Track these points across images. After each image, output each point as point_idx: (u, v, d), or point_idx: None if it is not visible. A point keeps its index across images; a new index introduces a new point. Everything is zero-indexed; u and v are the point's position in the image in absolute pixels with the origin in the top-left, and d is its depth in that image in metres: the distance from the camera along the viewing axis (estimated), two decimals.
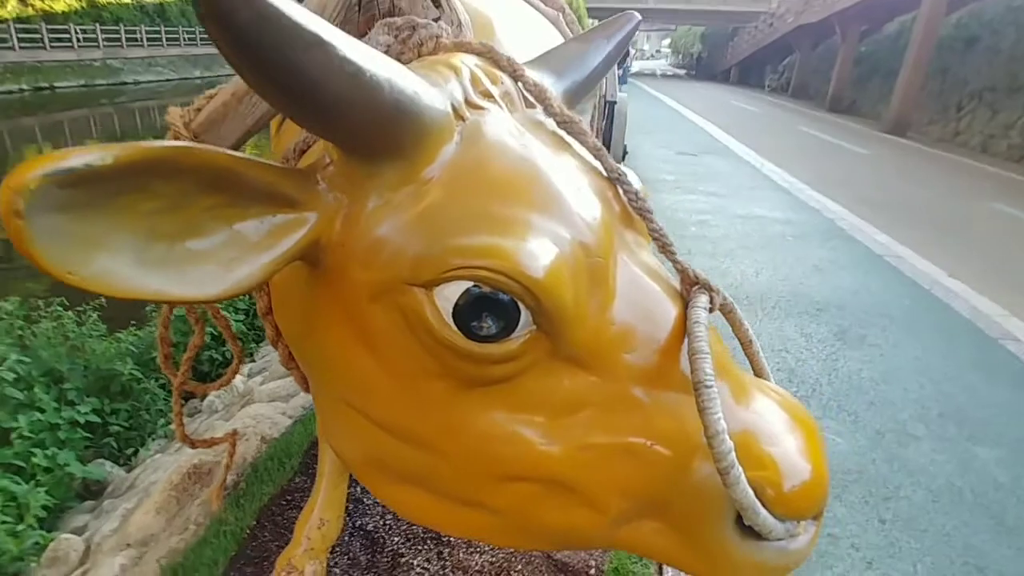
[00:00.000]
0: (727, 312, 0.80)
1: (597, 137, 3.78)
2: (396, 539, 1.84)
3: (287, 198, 0.60)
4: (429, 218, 0.60)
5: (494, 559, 1.77)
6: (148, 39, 25.85)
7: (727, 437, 0.59)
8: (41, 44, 21.16)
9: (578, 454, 0.64)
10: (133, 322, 4.30)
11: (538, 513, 0.68)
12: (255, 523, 1.86)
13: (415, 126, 0.59)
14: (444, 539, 1.84)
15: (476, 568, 1.73)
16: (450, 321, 0.58)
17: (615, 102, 5.11)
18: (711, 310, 0.69)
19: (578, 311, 0.61)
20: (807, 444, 0.66)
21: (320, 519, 1.64)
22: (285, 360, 0.99)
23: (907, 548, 1.97)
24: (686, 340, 0.64)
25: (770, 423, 0.65)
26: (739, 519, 0.63)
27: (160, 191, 0.50)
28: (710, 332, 0.67)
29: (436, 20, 0.88)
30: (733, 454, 0.59)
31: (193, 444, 1.24)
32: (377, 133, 0.57)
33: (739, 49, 30.86)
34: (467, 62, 0.71)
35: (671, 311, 0.67)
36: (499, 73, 0.73)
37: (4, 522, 2.53)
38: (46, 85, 20.93)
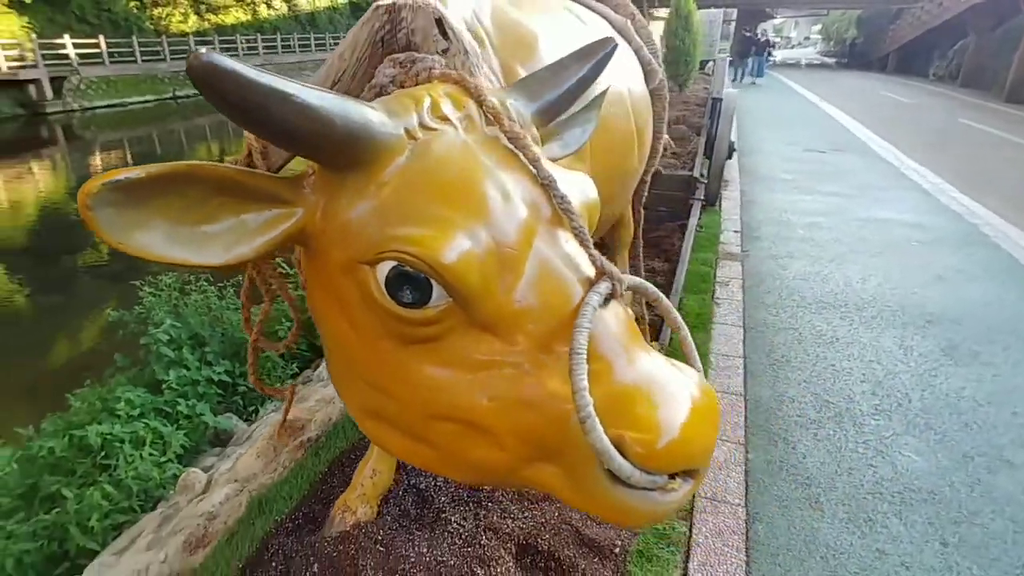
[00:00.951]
0: (653, 302, 0.92)
1: (703, 133, 3.80)
2: (443, 499, 2.08)
3: (281, 198, 0.83)
4: (377, 213, 0.80)
5: (524, 526, 1.94)
6: (299, 45, 28.57)
7: (587, 394, 0.72)
8: None
9: (487, 403, 0.81)
10: (262, 302, 5.02)
11: (461, 449, 0.86)
12: (327, 470, 2.20)
13: (367, 146, 0.79)
14: (483, 503, 2.04)
15: (506, 531, 1.91)
16: (384, 290, 0.78)
17: (721, 99, 4.96)
18: (613, 296, 0.82)
19: (485, 290, 0.78)
20: (686, 413, 0.76)
21: (373, 470, 1.93)
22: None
23: (967, 574, 1.83)
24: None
25: (649, 391, 0.77)
26: (616, 475, 0.75)
27: (186, 193, 0.75)
28: (619, 314, 0.81)
29: (444, 51, 1.08)
30: (591, 407, 0.72)
31: (263, 390, 1.55)
32: (336, 153, 0.79)
33: (900, 33, 27.56)
34: (436, 91, 0.90)
35: (574, 294, 0.81)
36: (465, 99, 0.91)
37: (152, 455, 3.14)
38: None
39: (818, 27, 68.74)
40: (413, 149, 0.83)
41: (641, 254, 3.04)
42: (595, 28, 2.09)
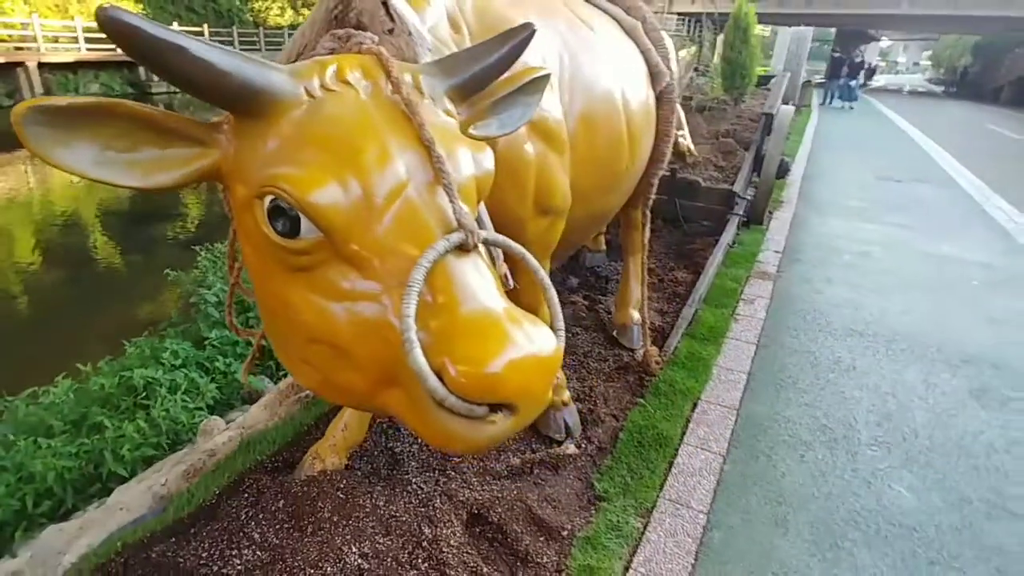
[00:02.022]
0: (518, 260, 0.99)
1: (751, 149, 3.78)
2: (412, 464, 2.19)
3: (198, 139, 0.96)
4: (268, 155, 0.92)
5: (480, 497, 2.01)
6: None
7: (411, 320, 0.81)
8: None
9: (348, 328, 0.91)
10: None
11: (332, 370, 0.96)
12: (312, 423, 2.37)
13: (266, 99, 0.92)
14: (447, 471, 2.14)
15: (461, 499, 2.00)
16: (267, 220, 0.90)
17: (772, 115, 4.82)
18: (466, 247, 0.90)
19: (347, 230, 0.89)
20: (511, 355, 0.83)
21: (345, 424, 2.07)
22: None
23: None
24: None
25: (478, 330, 0.84)
26: (437, 399, 0.83)
27: (113, 124, 0.89)
28: (474, 264, 0.89)
29: (390, 31, 1.20)
30: (412, 332, 0.81)
31: (236, 331, 1.71)
32: (235, 101, 0.92)
33: (1020, 63, 25.41)
34: (347, 60, 1.02)
35: (428, 240, 0.89)
36: (377, 69, 1.02)
37: (184, 401, 3.44)
38: None
39: (928, 52, 64.31)
40: (308, 106, 0.94)
41: (645, 264, 3.01)
42: (599, 31, 2.14)
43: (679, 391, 2.75)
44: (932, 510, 2.16)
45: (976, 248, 5.26)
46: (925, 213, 6.39)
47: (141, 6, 20.74)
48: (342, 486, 1.96)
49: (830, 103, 18.84)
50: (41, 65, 17.36)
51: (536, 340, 0.87)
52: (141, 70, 19.64)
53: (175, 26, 17.19)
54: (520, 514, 1.98)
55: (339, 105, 0.95)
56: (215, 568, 1.72)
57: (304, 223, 0.88)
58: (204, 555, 1.76)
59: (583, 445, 2.37)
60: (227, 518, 1.89)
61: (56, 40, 18.12)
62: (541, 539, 1.92)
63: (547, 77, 1.30)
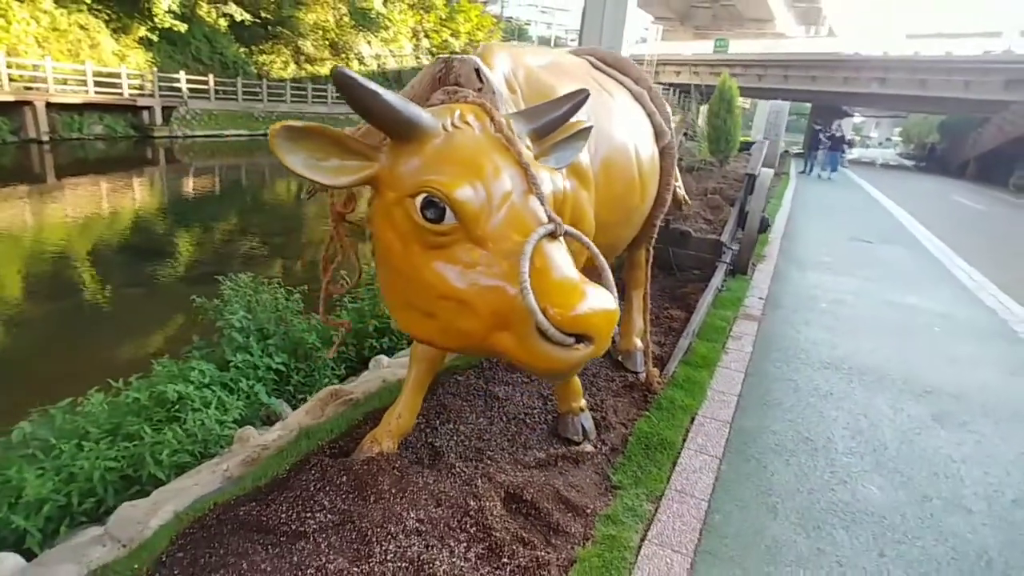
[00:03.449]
0: (569, 239, 1.41)
1: (735, 205, 4.35)
2: (452, 455, 2.51)
3: (366, 156, 1.39)
4: (420, 167, 1.35)
5: (514, 480, 2.33)
6: None
7: (526, 276, 1.22)
8: (305, 99, 26.97)
9: (473, 287, 1.32)
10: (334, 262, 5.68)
11: (454, 319, 1.35)
12: (361, 419, 2.69)
13: (418, 130, 1.35)
14: (483, 459, 2.46)
15: (499, 480, 2.31)
16: (419, 211, 1.31)
17: (755, 175, 5.41)
18: (555, 235, 1.32)
19: (476, 218, 1.31)
20: (589, 304, 1.24)
21: (399, 413, 2.40)
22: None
23: None
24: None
25: (566, 286, 1.26)
26: (540, 330, 1.22)
27: (318, 141, 1.32)
28: (558, 246, 1.31)
29: (479, 89, 1.66)
30: (528, 283, 1.21)
31: (327, 321, 2.08)
32: (400, 131, 1.36)
33: (983, 140, 27.24)
34: (465, 108, 1.46)
35: (529, 227, 1.31)
36: (484, 115, 1.47)
37: (215, 416, 3.71)
38: None
39: (899, 128, 68.12)
40: (445, 136, 1.39)
41: (647, 298, 3.43)
42: (615, 95, 2.64)
43: (679, 407, 3.11)
44: (898, 504, 2.51)
45: (938, 300, 5.79)
46: (893, 270, 6.98)
47: (152, 54, 21.66)
48: (397, 465, 2.27)
49: (809, 172, 19.93)
50: (49, 105, 17.93)
51: (603, 297, 1.28)
52: (145, 114, 20.36)
53: (181, 74, 17.92)
54: (549, 495, 2.30)
55: (465, 137, 1.39)
56: (294, 526, 2.02)
57: (448, 214, 1.29)
58: (283, 516, 2.06)
59: (598, 446, 2.71)
60: (299, 488, 2.19)
61: (65, 82, 18.74)
62: (568, 515, 2.24)
63: (590, 128, 1.75)
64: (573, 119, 1.69)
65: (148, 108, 20.25)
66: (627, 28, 11.29)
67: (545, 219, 1.34)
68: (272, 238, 11.65)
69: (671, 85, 37.75)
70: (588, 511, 2.28)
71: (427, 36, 36.32)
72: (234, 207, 14.53)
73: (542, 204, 1.36)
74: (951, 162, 31.54)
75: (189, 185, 16.05)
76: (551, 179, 1.46)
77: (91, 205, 12.99)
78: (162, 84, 20.74)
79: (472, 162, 1.34)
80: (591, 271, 1.45)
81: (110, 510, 3.25)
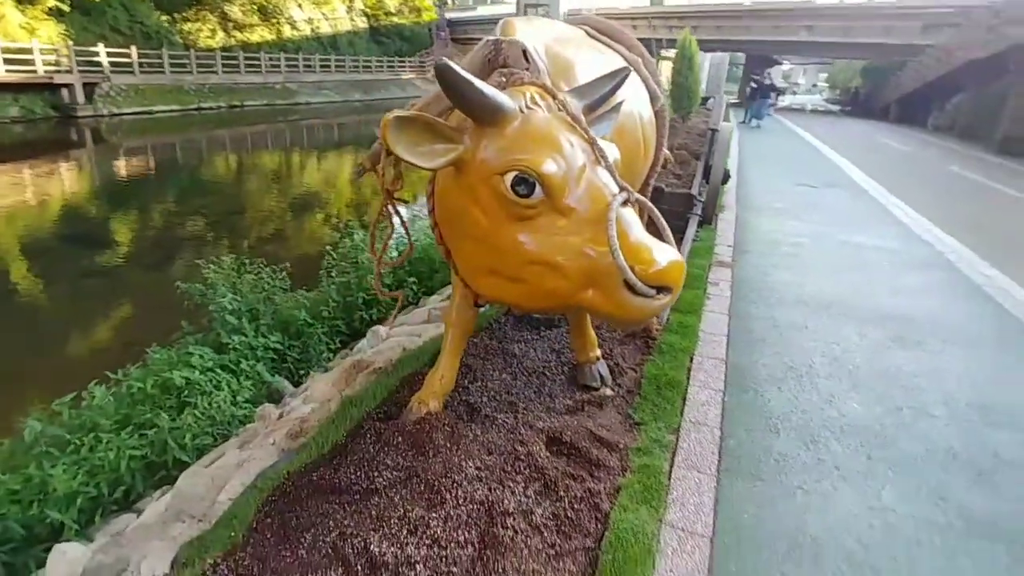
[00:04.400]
0: (639, 206, 1.61)
1: (701, 159, 4.65)
2: (488, 408, 2.72)
3: (453, 139, 1.53)
4: (506, 147, 1.50)
5: (552, 426, 2.57)
6: (320, 65, 29.87)
7: (615, 240, 1.41)
8: (238, 69, 25.46)
9: (562, 252, 1.50)
10: (305, 287, 5.71)
11: (543, 281, 1.54)
12: (398, 384, 2.85)
13: (501, 113, 1.50)
14: (519, 411, 2.68)
15: (539, 427, 2.55)
16: (509, 188, 1.47)
17: (717, 130, 5.71)
18: (628, 201, 1.51)
19: (561, 190, 1.48)
20: (665, 260, 1.44)
21: (441, 375, 2.58)
22: (439, 240, 1.94)
23: (882, 473, 2.46)
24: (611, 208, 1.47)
25: (645, 246, 1.46)
26: (627, 286, 1.43)
27: (417, 128, 1.45)
28: (631, 211, 1.50)
29: (526, 69, 1.80)
30: (617, 245, 1.40)
31: (382, 294, 2.22)
32: (487, 114, 1.50)
33: (902, 84, 28.71)
34: (531, 90, 1.61)
35: (607, 196, 1.50)
36: (547, 95, 1.62)
37: (226, 397, 3.78)
38: (238, 104, 24.92)
39: (824, 75, 70.63)
40: (523, 118, 1.54)
41: None
42: (614, 62, 2.81)
43: (677, 349, 3.42)
44: (876, 416, 2.91)
45: (882, 238, 6.35)
46: (840, 212, 7.53)
47: (64, 26, 19.91)
48: (447, 422, 2.47)
49: (748, 122, 20.60)
50: None
51: (672, 252, 1.49)
52: (65, 93, 18.86)
53: (100, 47, 16.76)
54: (584, 435, 2.55)
55: (539, 117, 1.55)
56: (365, 484, 2.19)
57: (537, 188, 1.46)
58: (353, 476, 2.22)
59: (615, 390, 2.98)
60: (360, 451, 2.35)
61: None
62: (604, 451, 2.50)
63: (622, 103, 1.93)
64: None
65: (68, 86, 18.69)
66: None
67: (617, 189, 1.53)
68: (228, 217, 11.29)
69: None
70: (620, 446, 2.55)
71: None
72: (175, 187, 13.86)
73: (612, 174, 1.54)
74: (874, 106, 33.13)
75: (123, 167, 15.15)
76: (613, 149, 1.64)
77: (15, 194, 12.11)
78: (80, 59, 19.12)
79: (552, 140, 1.50)
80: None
81: (140, 496, 3.34)
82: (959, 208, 8.38)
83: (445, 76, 1.38)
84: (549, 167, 1.45)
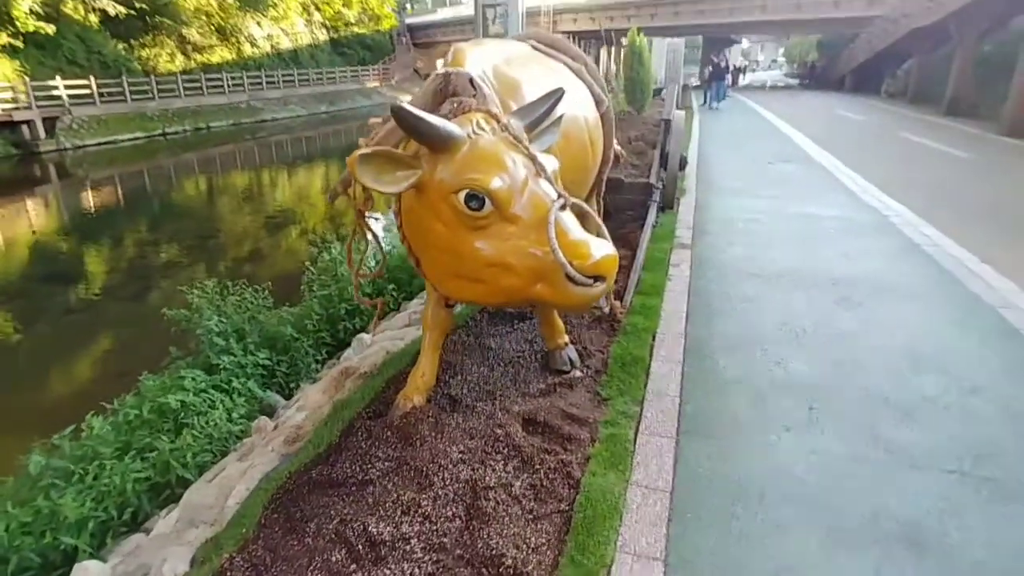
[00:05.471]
0: (577, 212, 1.87)
1: (657, 148, 4.98)
2: (468, 399, 2.97)
3: (412, 166, 1.78)
4: (456, 170, 1.76)
5: (527, 408, 2.83)
6: (283, 81, 29.82)
7: (555, 241, 1.68)
8: (200, 91, 25.31)
9: (513, 254, 1.76)
10: (288, 303, 5.90)
11: (499, 280, 1.80)
12: (384, 385, 3.09)
13: (451, 140, 1.76)
14: (497, 398, 2.94)
15: (515, 411, 2.80)
16: (463, 203, 1.73)
17: (670, 120, 6.02)
18: (565, 207, 1.78)
19: (507, 203, 1.74)
20: (599, 255, 1.72)
21: (423, 372, 2.83)
22: (408, 251, 2.19)
23: (822, 422, 2.77)
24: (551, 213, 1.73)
25: (586, 244, 1.73)
26: (569, 278, 1.70)
27: (380, 161, 1.70)
28: (569, 214, 1.76)
29: (473, 96, 2.05)
30: (556, 244, 1.67)
31: (363, 302, 2.46)
32: (439, 143, 1.76)
33: (854, 55, 29.49)
34: (477, 116, 1.87)
35: (547, 203, 1.76)
36: (492, 119, 1.87)
37: (223, 415, 3.96)
38: (204, 126, 24.81)
39: (782, 50, 71.89)
40: (471, 142, 1.79)
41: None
42: (559, 73, 3.07)
43: (641, 329, 3.70)
44: (819, 372, 3.23)
45: (832, 207, 6.73)
46: (793, 186, 7.91)
47: (19, 62, 19.63)
48: (431, 414, 2.72)
49: (710, 105, 21.01)
50: None
51: (606, 246, 1.76)
52: (25, 129, 18.65)
53: (58, 80, 16.66)
54: (557, 414, 2.82)
55: (485, 141, 1.81)
56: (361, 476, 2.43)
57: (487, 203, 1.72)
58: (348, 470, 2.46)
59: (584, 371, 3.25)
60: (352, 448, 2.59)
61: None
62: (575, 426, 2.76)
63: (562, 117, 2.19)
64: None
65: (27, 122, 18.48)
66: None
67: (555, 195, 1.79)
68: (203, 240, 11.36)
69: (571, 33, 38.06)
70: (590, 421, 2.82)
71: (318, 9, 34.59)
72: (147, 216, 13.87)
73: (551, 183, 1.81)
74: (830, 78, 33.98)
75: (90, 200, 15.07)
76: (551, 162, 1.90)
77: None
78: (38, 94, 18.92)
79: (497, 159, 1.76)
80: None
81: (147, 516, 3.53)
82: (906, 173, 8.83)
83: (400, 116, 1.63)
84: (495, 183, 1.71)
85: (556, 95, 2.04)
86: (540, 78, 2.82)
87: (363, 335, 4.83)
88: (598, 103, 3.34)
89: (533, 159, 1.82)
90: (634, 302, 4.08)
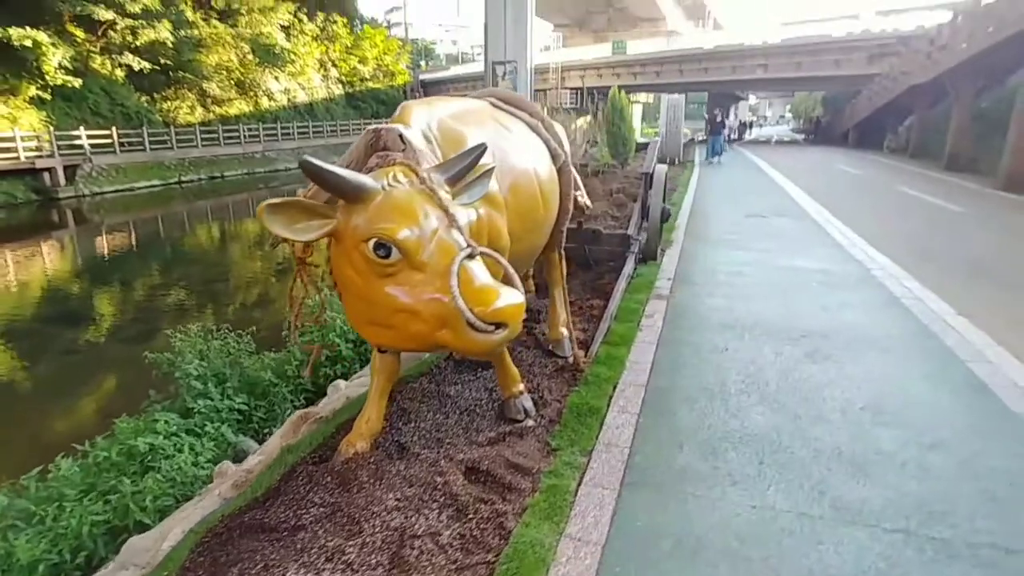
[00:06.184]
0: (486, 258, 1.93)
1: (638, 201, 5.08)
2: (416, 448, 2.96)
3: (327, 216, 1.86)
4: (367, 220, 1.84)
5: (471, 457, 2.81)
6: (298, 132, 31.06)
7: (456, 288, 1.73)
8: (217, 142, 26.47)
9: (419, 301, 1.82)
10: (273, 348, 5.96)
11: (408, 326, 1.84)
12: (334, 431, 3.10)
13: (364, 192, 1.84)
14: (444, 446, 2.93)
15: (459, 459, 2.79)
16: (373, 252, 1.80)
17: (651, 173, 6.16)
18: (473, 256, 1.84)
19: (414, 251, 1.81)
20: (501, 302, 1.76)
21: (368, 418, 2.84)
22: (340, 297, 2.25)
23: (770, 476, 2.71)
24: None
25: (489, 291, 1.77)
26: (469, 324, 1.74)
27: (292, 210, 1.79)
28: (478, 262, 1.82)
29: (402, 151, 2.15)
30: (457, 291, 1.72)
31: (300, 346, 2.51)
32: (351, 195, 1.84)
33: (857, 111, 30.11)
34: (396, 169, 1.96)
35: (454, 252, 1.82)
36: (411, 172, 1.97)
37: (188, 459, 3.97)
38: (219, 175, 25.78)
39: (789, 106, 73.57)
40: (385, 194, 1.87)
41: (566, 292, 4.03)
42: (512, 129, 3.20)
43: (603, 379, 3.69)
44: (775, 425, 3.18)
45: (819, 260, 6.74)
46: (783, 239, 7.96)
47: (46, 113, 20.68)
48: (372, 460, 2.71)
49: (711, 159, 21.28)
50: None
51: (512, 294, 1.80)
52: (47, 176, 19.46)
53: (81, 131, 17.53)
54: (502, 463, 2.80)
55: (399, 192, 1.89)
56: (293, 522, 2.41)
57: (394, 251, 1.79)
58: (282, 515, 2.45)
59: (538, 420, 3.23)
60: (291, 492, 2.58)
61: None
62: (518, 476, 2.74)
63: (493, 169, 2.29)
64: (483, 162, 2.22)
65: (49, 169, 19.33)
66: (531, 39, 11.88)
67: (464, 245, 1.86)
68: (208, 285, 11.58)
69: (577, 89, 39.35)
70: (534, 471, 2.79)
71: (334, 65, 36.26)
72: (154, 261, 14.21)
73: (461, 233, 1.88)
74: (835, 133, 34.62)
75: (104, 244, 15.53)
76: (466, 213, 1.98)
77: None
78: (61, 142, 19.88)
79: (407, 210, 1.84)
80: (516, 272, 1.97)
81: (102, 561, 3.50)
82: (897, 226, 8.87)
83: (307, 169, 1.73)
84: (403, 233, 1.78)
85: (478, 150, 2.13)
86: (490, 132, 2.94)
87: (339, 382, 4.85)
88: (554, 157, 3.46)
89: (445, 210, 1.89)
90: (600, 352, 4.09)
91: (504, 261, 2.00)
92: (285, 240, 2.45)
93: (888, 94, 23.88)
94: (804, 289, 5.64)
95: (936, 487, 2.64)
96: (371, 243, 1.79)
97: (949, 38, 17.44)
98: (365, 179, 1.85)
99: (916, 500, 2.55)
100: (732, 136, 28.65)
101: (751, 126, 53.18)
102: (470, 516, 2.43)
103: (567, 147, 3.73)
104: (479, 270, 1.83)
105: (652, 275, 6.05)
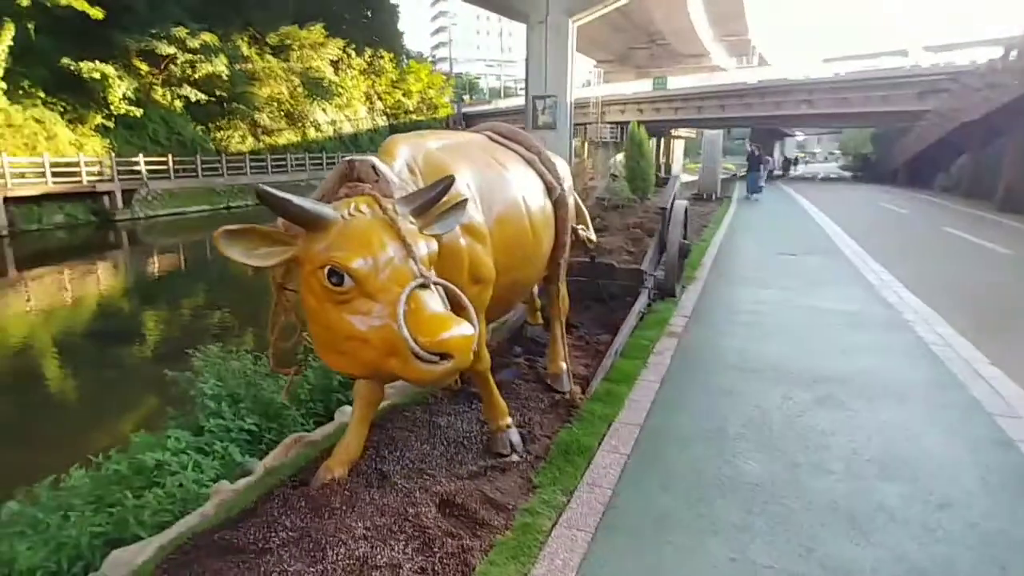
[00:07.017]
0: (446, 290, 1.94)
1: (655, 236, 5.10)
2: (397, 477, 2.94)
3: (288, 243, 1.92)
4: (326, 247, 1.88)
5: (447, 489, 2.78)
6: None
7: (402, 317, 1.74)
8: (265, 170, 27.83)
9: (370, 328, 1.84)
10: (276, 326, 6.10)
11: (358, 353, 1.86)
12: (318, 455, 3.11)
13: (323, 220, 1.89)
14: (424, 476, 2.90)
15: (435, 490, 2.76)
16: (327, 279, 1.84)
17: (667, 208, 6.10)
18: (426, 286, 1.85)
19: (367, 280, 1.84)
20: (448, 333, 1.76)
21: (347, 444, 2.85)
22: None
23: (756, 527, 2.58)
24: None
25: (436, 321, 1.78)
26: (414, 353, 1.74)
27: (251, 237, 1.85)
28: (430, 293, 1.84)
29: (375, 182, 2.20)
30: (403, 321, 1.73)
31: (276, 369, 2.55)
32: (310, 224, 1.90)
33: (907, 148, 29.23)
34: (360, 200, 2.01)
35: (407, 282, 1.84)
36: (375, 203, 2.01)
37: (192, 476, 4.05)
38: None
39: (837, 143, 72.02)
40: (344, 223, 1.92)
41: (563, 322, 3.99)
42: (506, 162, 3.24)
43: (598, 417, 3.61)
44: (771, 472, 3.03)
45: (846, 301, 6.49)
46: (811, 278, 7.70)
47: (109, 140, 22.15)
48: (347, 487, 2.71)
49: (750, 196, 20.74)
50: (6, 199, 18.14)
51: (461, 326, 1.80)
52: (106, 199, 20.77)
53: (140, 157, 18.70)
54: (478, 497, 2.75)
55: (359, 222, 1.93)
56: (260, 545, 2.42)
57: (347, 279, 1.82)
58: (251, 537, 2.46)
59: (524, 456, 3.17)
60: (264, 514, 2.60)
61: (23, 175, 18.94)
62: (493, 511, 2.68)
63: (466, 200, 2.31)
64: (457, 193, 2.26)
65: (108, 193, 20.69)
66: (571, 74, 12.06)
67: (417, 274, 1.87)
68: (241, 307, 11.97)
69: (618, 123, 39.60)
70: (510, 507, 2.73)
71: (380, 98, 37.71)
72: (199, 282, 14.82)
73: (416, 263, 1.90)
74: (884, 170, 33.63)
75: (154, 265, 16.34)
76: (426, 244, 2.01)
77: (54, 295, 13.17)
78: (121, 168, 21.28)
79: (362, 239, 1.88)
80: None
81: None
82: (937, 267, 8.47)
83: (264, 198, 1.78)
84: (355, 262, 1.82)
85: (445, 182, 2.16)
86: (479, 165, 2.99)
87: (346, 407, 4.90)
88: (550, 190, 3.47)
89: (403, 240, 1.92)
90: (600, 389, 4.01)
91: (460, 293, 2.01)
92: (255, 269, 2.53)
93: (939, 131, 23.12)
94: (824, 331, 5.42)
95: (938, 551, 2.45)
96: (325, 270, 1.84)
97: (1001, 74, 16.86)
98: (323, 208, 1.90)
99: (912, 565, 2.37)
100: (776, 172, 28.07)
101: (796, 162, 52.24)
102: (435, 550, 2.39)
103: (567, 181, 3.74)
104: (430, 300, 1.84)
105: (668, 312, 5.93)
